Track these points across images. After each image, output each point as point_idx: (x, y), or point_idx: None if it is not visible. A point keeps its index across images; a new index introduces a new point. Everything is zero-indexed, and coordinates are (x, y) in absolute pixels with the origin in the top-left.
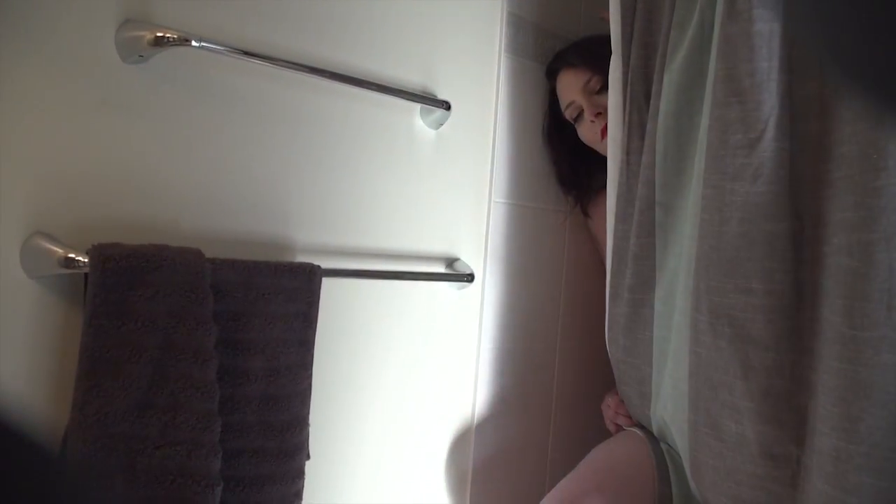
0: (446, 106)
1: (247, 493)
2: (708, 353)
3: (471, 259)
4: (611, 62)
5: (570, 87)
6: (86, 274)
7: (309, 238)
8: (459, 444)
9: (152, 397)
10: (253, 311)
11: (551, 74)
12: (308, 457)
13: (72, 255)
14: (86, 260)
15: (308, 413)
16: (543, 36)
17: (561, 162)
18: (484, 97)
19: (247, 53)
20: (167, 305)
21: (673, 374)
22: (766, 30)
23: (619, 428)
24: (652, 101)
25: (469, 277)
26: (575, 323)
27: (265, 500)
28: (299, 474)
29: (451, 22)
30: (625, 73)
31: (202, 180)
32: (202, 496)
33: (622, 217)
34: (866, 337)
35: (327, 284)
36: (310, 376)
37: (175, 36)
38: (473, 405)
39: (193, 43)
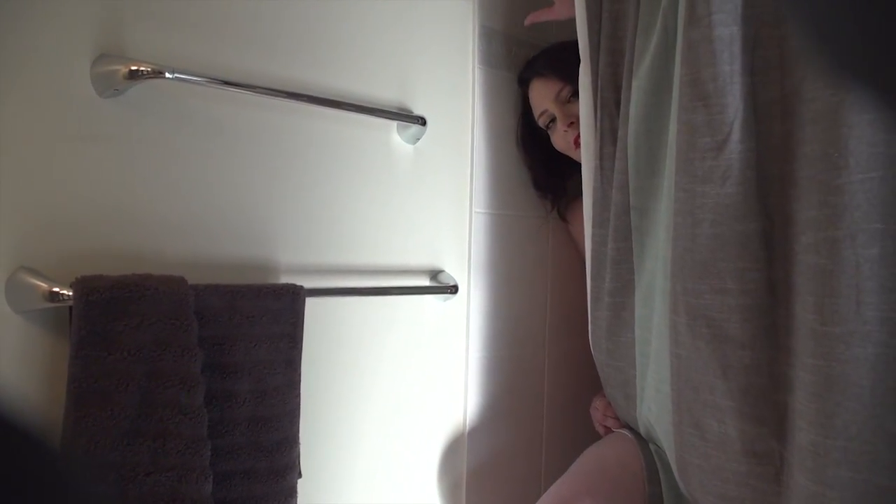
0: (422, 121)
1: None
2: (688, 354)
3: (455, 270)
4: (580, 69)
5: (542, 96)
6: (70, 306)
7: (293, 258)
8: (453, 452)
9: (141, 425)
10: (238, 335)
11: (523, 83)
12: (300, 475)
13: (56, 289)
14: (70, 293)
15: (298, 432)
16: (515, 45)
17: (536, 167)
18: (460, 109)
19: (221, 82)
20: (152, 334)
21: (655, 376)
22: (727, 34)
23: (608, 430)
24: (622, 107)
25: (453, 289)
26: (562, 327)
27: None
28: (291, 493)
29: (425, 37)
30: (594, 80)
31: (184, 207)
32: None
33: (599, 222)
34: (837, 332)
35: (313, 303)
36: (298, 395)
37: (149, 69)
38: (465, 413)
39: (167, 75)
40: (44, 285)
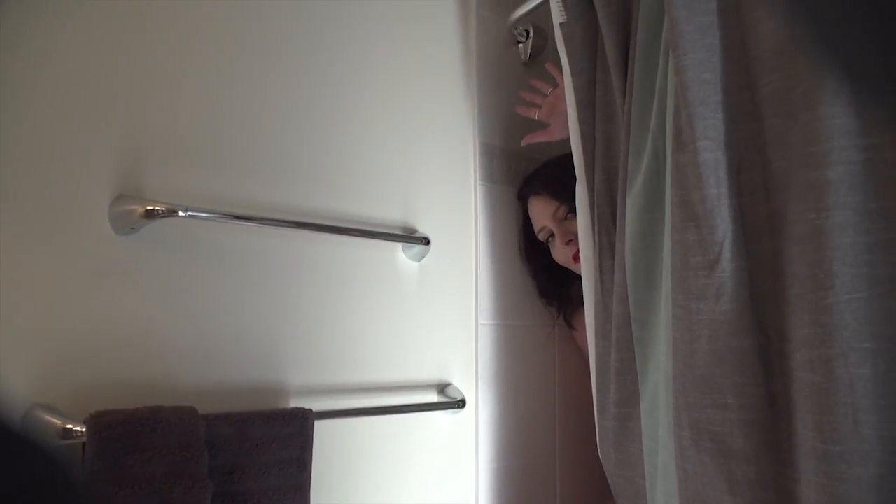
0: (425, 241)
1: None
2: (693, 468)
3: (462, 382)
4: (576, 187)
5: (541, 214)
6: (83, 443)
7: (303, 380)
8: None
9: None
10: (248, 463)
11: (522, 199)
12: None
13: (70, 426)
14: (83, 429)
15: None
16: (514, 160)
17: (539, 276)
18: (463, 225)
19: (231, 216)
20: (163, 466)
21: (663, 489)
22: (712, 159)
23: None
24: (618, 223)
25: (461, 403)
26: (573, 434)
27: None
28: None
29: (428, 157)
30: (590, 198)
31: (195, 337)
32: None
33: (602, 333)
34: (838, 451)
35: (323, 423)
36: None
37: (164, 208)
38: None
39: (181, 213)
40: (58, 422)
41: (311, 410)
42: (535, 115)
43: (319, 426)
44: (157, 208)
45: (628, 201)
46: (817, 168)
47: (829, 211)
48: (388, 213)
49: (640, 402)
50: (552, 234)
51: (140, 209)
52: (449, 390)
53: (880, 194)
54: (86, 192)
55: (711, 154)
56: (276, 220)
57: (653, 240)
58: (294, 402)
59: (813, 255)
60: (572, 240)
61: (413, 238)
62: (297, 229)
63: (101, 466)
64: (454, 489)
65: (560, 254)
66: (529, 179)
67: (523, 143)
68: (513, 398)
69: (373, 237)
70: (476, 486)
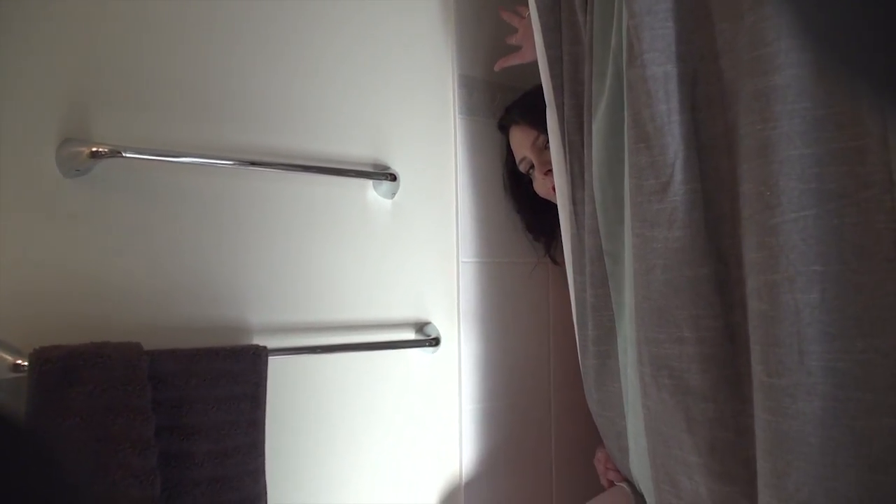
0: (391, 177)
1: None
2: (655, 406)
3: (443, 321)
4: (547, 115)
5: (520, 144)
6: None
7: (267, 319)
8: (449, 502)
9: (94, 488)
10: (195, 397)
11: (503, 130)
12: None
13: (19, 361)
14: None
15: (263, 490)
16: (495, 90)
17: (524, 210)
18: (442, 160)
19: (177, 156)
20: (105, 400)
21: (633, 428)
22: (660, 73)
23: (611, 483)
24: (586, 151)
25: (434, 341)
26: (569, 373)
27: None
28: None
29: (403, 93)
30: (561, 125)
31: (149, 275)
32: None
33: (578, 269)
34: (783, 385)
35: (302, 362)
36: (261, 455)
37: (107, 149)
38: (460, 463)
39: (125, 154)
40: (9, 358)
41: (264, 347)
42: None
43: (294, 365)
44: (101, 149)
45: (594, 126)
46: (764, 74)
47: (776, 121)
48: (359, 150)
49: (617, 340)
50: (532, 165)
51: (85, 151)
52: (427, 329)
53: (831, 99)
54: (33, 135)
55: (660, 67)
56: (224, 159)
57: (619, 167)
58: (258, 341)
59: (759, 171)
60: (551, 170)
61: (377, 174)
62: (256, 168)
63: (42, 399)
64: (437, 428)
65: (540, 185)
66: (510, 109)
67: (496, 67)
68: (499, 337)
69: (335, 174)
70: (459, 425)
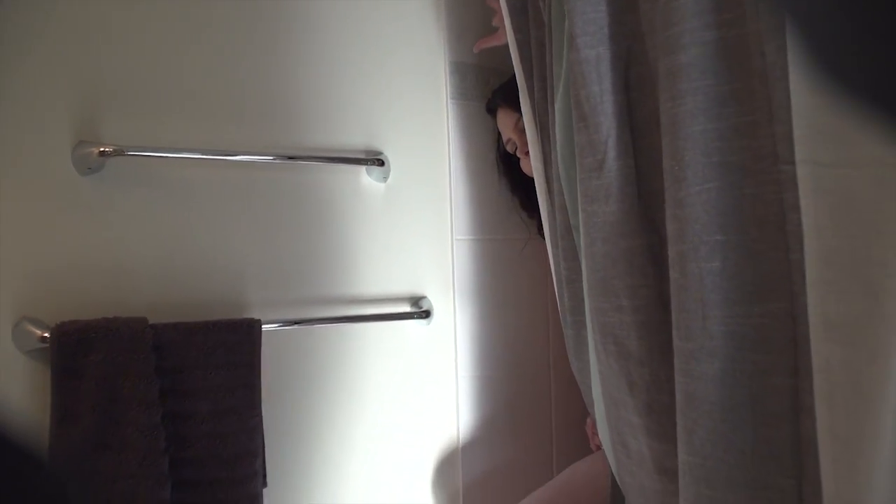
0: (379, 162)
1: None
2: (605, 371)
3: (438, 296)
4: (520, 98)
5: (505, 125)
6: None
7: (265, 296)
8: (447, 467)
9: (107, 440)
10: (195, 364)
11: (490, 112)
12: (265, 484)
13: (45, 334)
14: None
15: (259, 446)
16: (487, 74)
17: (517, 189)
18: (435, 144)
19: (178, 153)
20: (114, 366)
21: (595, 392)
22: (592, 55)
23: (598, 448)
24: (551, 131)
25: (425, 314)
26: None
27: None
28: (254, 499)
29: (395, 81)
30: (532, 107)
31: (155, 259)
32: None
33: (554, 243)
34: (690, 348)
35: (301, 336)
36: (258, 415)
37: (112, 149)
38: (457, 430)
39: (128, 153)
40: (37, 331)
41: (258, 320)
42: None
43: (295, 338)
44: (107, 149)
45: (556, 107)
46: (672, 52)
47: (682, 98)
48: (353, 137)
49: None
50: (517, 148)
51: (95, 151)
52: (422, 303)
53: (733, 76)
54: (51, 138)
55: (592, 50)
56: (222, 153)
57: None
58: (258, 316)
59: (670, 146)
60: None
61: (367, 160)
62: (252, 159)
63: (62, 365)
64: (434, 397)
65: (525, 165)
66: (496, 92)
67: (475, 49)
68: (495, 309)
69: (326, 161)
70: (456, 393)
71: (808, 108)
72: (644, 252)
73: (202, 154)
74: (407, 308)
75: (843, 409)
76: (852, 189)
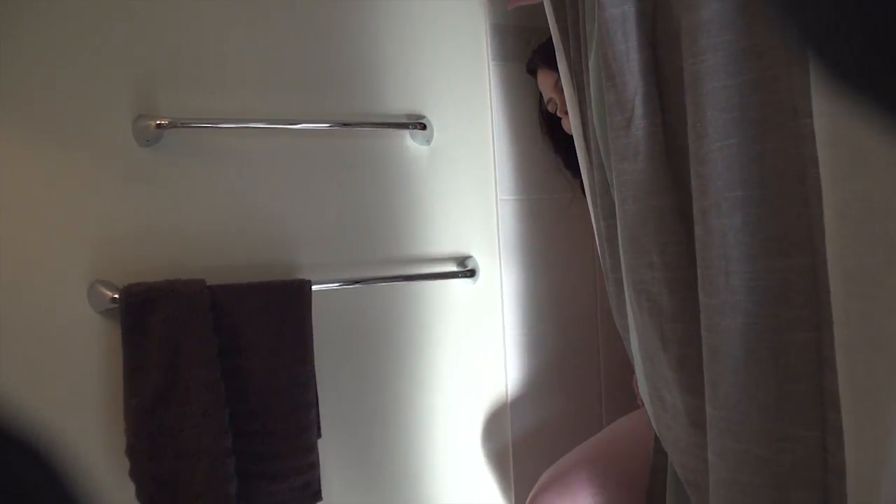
0: (421, 126)
1: (265, 464)
2: (640, 326)
3: (484, 255)
4: (557, 58)
5: (545, 85)
6: None
7: (320, 258)
8: (496, 421)
9: (172, 394)
10: (249, 323)
11: (532, 73)
12: (319, 435)
13: (115, 296)
14: None
15: (311, 400)
16: (528, 34)
17: (560, 149)
18: (478, 106)
19: (226, 122)
20: (176, 324)
21: (634, 349)
22: (618, 14)
23: (643, 404)
24: (587, 91)
25: (470, 273)
26: None
27: (281, 470)
28: (310, 448)
29: (436, 45)
30: (569, 67)
31: (212, 225)
32: (216, 466)
33: (594, 201)
34: (714, 304)
35: (351, 296)
36: (309, 371)
37: (166, 122)
38: (506, 386)
39: (182, 124)
40: (108, 293)
41: (308, 280)
42: None
43: (345, 298)
44: (163, 122)
45: (590, 66)
46: (693, 9)
47: (703, 54)
48: (394, 102)
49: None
50: (558, 108)
51: (152, 124)
52: (468, 262)
53: (753, 31)
54: (114, 114)
55: (618, 8)
56: (272, 122)
57: None
58: (308, 277)
59: (693, 103)
60: None
61: (410, 124)
62: (301, 127)
63: (130, 324)
64: (482, 354)
65: (566, 124)
66: (535, 52)
67: (508, 7)
68: (541, 267)
69: (370, 126)
70: (504, 349)
71: None
72: (673, 209)
73: (251, 123)
74: (453, 268)
75: (863, 362)
76: (867, 142)
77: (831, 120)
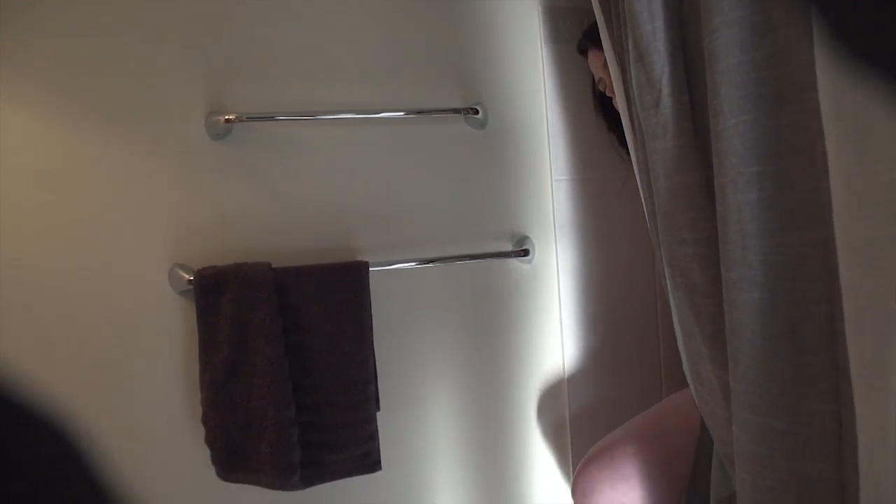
0: (474, 111)
1: (326, 434)
2: (677, 303)
3: (540, 235)
4: (601, 36)
5: (595, 65)
6: None
7: (379, 240)
8: (553, 398)
9: (241, 367)
10: (311, 303)
11: (583, 53)
12: (378, 408)
13: (190, 278)
14: None
15: (371, 375)
16: (580, 15)
17: (613, 128)
18: (531, 88)
19: (287, 115)
20: (245, 304)
21: (675, 325)
22: None
23: None
24: (629, 70)
25: (525, 252)
26: None
27: (341, 440)
28: (369, 420)
29: (489, 28)
30: (613, 46)
31: (277, 211)
32: (281, 435)
33: (641, 179)
34: (733, 278)
35: (410, 275)
36: (368, 347)
37: (233, 117)
38: (563, 363)
39: (245, 119)
40: (185, 276)
41: (366, 262)
42: None
43: (404, 278)
44: (231, 117)
45: (629, 46)
46: None
47: (718, 31)
48: (448, 88)
49: None
50: (607, 86)
51: (221, 119)
52: (524, 242)
53: (765, 5)
54: (188, 111)
55: None
56: (333, 113)
57: None
58: (368, 258)
59: (710, 80)
60: None
61: (464, 109)
62: (360, 117)
63: (203, 303)
64: (539, 332)
65: (616, 103)
66: (585, 33)
67: None
68: (597, 247)
69: (420, 113)
70: (560, 328)
71: None
72: (702, 186)
73: (312, 116)
74: (509, 248)
75: (872, 334)
76: (871, 113)
77: (836, 91)
